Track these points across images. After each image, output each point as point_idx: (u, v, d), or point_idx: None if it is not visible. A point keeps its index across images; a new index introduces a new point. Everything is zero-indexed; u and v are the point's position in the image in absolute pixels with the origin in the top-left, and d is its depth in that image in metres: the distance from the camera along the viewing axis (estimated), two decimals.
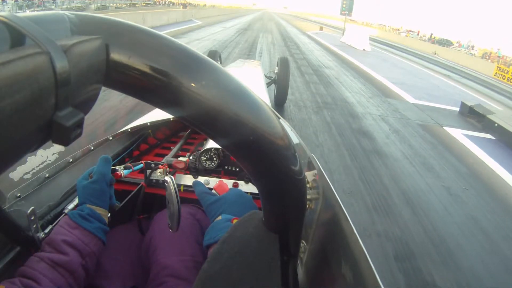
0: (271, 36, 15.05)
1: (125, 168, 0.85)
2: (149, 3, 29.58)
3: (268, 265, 0.40)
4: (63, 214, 0.69)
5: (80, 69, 0.20)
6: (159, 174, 0.91)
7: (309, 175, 0.56)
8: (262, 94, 2.24)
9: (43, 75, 0.17)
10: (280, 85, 4.20)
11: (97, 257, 0.62)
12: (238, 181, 0.95)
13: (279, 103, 4.39)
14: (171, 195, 0.56)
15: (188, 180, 0.95)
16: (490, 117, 4.69)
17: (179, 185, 0.93)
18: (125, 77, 0.23)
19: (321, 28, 25.21)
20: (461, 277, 1.82)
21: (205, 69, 0.25)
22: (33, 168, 0.77)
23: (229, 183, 0.95)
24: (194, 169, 0.96)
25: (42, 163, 0.80)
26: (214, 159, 0.96)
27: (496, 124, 4.46)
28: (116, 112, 3.58)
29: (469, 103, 5.27)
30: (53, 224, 0.67)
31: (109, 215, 0.68)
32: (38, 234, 0.61)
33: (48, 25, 0.19)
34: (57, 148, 0.84)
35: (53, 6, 18.27)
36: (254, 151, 0.28)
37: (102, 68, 0.22)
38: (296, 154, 0.32)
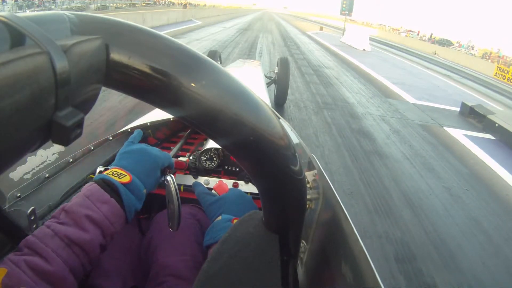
0: (271, 36, 15.05)
1: None
2: (149, 3, 29.62)
3: (268, 265, 0.40)
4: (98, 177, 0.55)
5: (80, 69, 0.20)
6: None
7: (309, 175, 0.56)
8: (262, 94, 2.24)
9: (43, 75, 0.17)
10: (280, 85, 4.21)
11: None
12: (238, 181, 0.95)
13: (279, 103, 4.39)
14: (171, 194, 0.56)
15: (188, 180, 0.95)
16: (491, 117, 4.69)
17: (179, 185, 0.93)
18: (125, 77, 0.23)
19: (321, 28, 25.22)
20: (462, 278, 1.82)
21: (205, 69, 0.25)
22: (33, 168, 0.77)
23: (229, 183, 0.94)
24: (194, 169, 0.96)
25: (42, 163, 0.80)
26: (214, 159, 0.96)
27: (496, 125, 4.46)
28: (115, 113, 3.58)
29: (469, 104, 5.27)
30: None
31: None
32: None
33: (48, 25, 0.19)
34: (57, 148, 0.84)
35: (53, 6, 18.30)
36: (254, 151, 0.28)
37: (102, 68, 0.22)
38: (296, 154, 0.32)
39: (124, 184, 0.52)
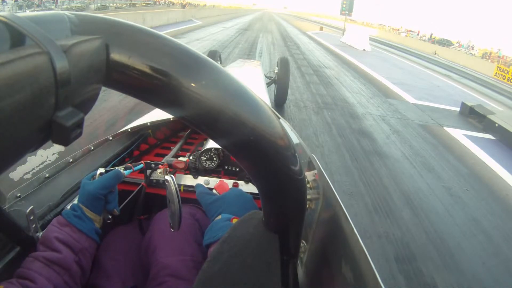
0: (271, 36, 15.04)
1: (125, 169, 0.85)
2: (149, 3, 29.57)
3: (268, 265, 0.40)
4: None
5: (80, 69, 0.20)
6: (159, 174, 0.91)
7: (309, 175, 0.56)
8: (262, 94, 2.24)
9: (43, 75, 0.17)
10: (280, 85, 4.20)
11: (92, 254, 0.62)
12: (238, 181, 0.95)
13: (279, 103, 4.39)
14: (172, 194, 0.56)
15: (188, 180, 0.95)
16: (491, 117, 4.68)
17: (179, 185, 0.93)
18: (125, 77, 0.23)
19: (321, 28, 25.21)
20: (462, 278, 1.82)
21: (205, 69, 0.25)
22: (33, 168, 0.77)
23: (229, 183, 0.94)
24: (194, 169, 0.96)
25: (42, 163, 0.80)
26: (214, 159, 0.96)
27: (496, 125, 4.46)
28: (115, 113, 3.58)
29: (469, 104, 5.27)
30: None
31: (109, 217, 0.68)
32: (37, 234, 0.61)
33: (48, 25, 0.19)
34: (57, 148, 0.84)
35: (53, 6, 18.27)
36: (254, 152, 0.28)
37: (102, 68, 0.22)
38: (296, 154, 0.32)
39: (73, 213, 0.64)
